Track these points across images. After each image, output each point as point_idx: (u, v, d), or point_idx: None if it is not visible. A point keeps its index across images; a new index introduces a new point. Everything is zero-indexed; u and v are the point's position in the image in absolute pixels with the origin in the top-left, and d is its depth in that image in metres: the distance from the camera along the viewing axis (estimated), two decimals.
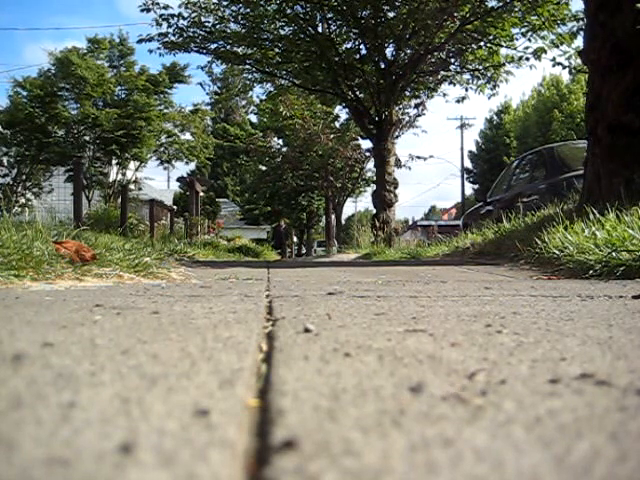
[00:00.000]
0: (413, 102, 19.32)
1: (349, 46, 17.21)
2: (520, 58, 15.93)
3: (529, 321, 1.46)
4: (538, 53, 15.40)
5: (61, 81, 18.24)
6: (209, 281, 3.43)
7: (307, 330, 1.27)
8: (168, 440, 0.58)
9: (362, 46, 16.78)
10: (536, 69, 20.64)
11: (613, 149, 5.72)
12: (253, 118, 46.55)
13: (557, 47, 14.89)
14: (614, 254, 3.40)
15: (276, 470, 0.53)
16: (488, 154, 43.67)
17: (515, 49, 16.02)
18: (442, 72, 17.63)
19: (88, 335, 1.19)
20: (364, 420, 0.65)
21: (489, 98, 22.24)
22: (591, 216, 4.36)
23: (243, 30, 16.31)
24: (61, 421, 0.63)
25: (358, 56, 16.91)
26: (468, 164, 46.27)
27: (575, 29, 14.43)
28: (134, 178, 19.93)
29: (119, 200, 15.00)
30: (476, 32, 15.68)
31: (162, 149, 20.56)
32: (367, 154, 27.72)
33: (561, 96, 37.63)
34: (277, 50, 17.01)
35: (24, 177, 17.97)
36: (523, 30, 15.36)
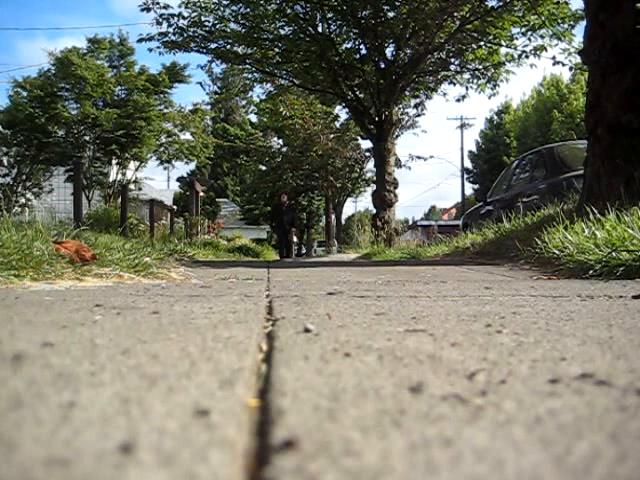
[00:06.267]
0: (413, 102, 19.34)
1: (349, 46, 17.22)
2: (520, 56, 15.93)
3: (529, 321, 1.46)
4: (538, 51, 15.41)
5: (61, 81, 18.26)
6: (209, 281, 3.43)
7: (307, 330, 1.27)
8: (168, 440, 0.58)
9: (362, 46, 16.79)
10: (536, 68, 20.81)
11: (613, 149, 5.72)
12: (253, 118, 46.59)
13: (560, 40, 14.80)
14: (614, 254, 3.40)
15: (276, 470, 0.53)
16: (488, 154, 43.65)
17: (515, 48, 16.04)
18: (442, 72, 17.63)
19: (88, 335, 1.19)
20: (364, 420, 0.65)
21: (489, 98, 22.24)
22: (591, 216, 4.36)
23: (243, 30, 16.31)
24: (61, 421, 0.63)
25: (358, 56, 16.91)
26: (468, 164, 46.32)
27: (575, 28, 14.45)
28: (134, 178, 19.95)
29: (119, 200, 15.01)
30: (476, 32, 15.68)
31: (162, 149, 20.58)
32: (367, 154, 27.73)
33: (561, 96, 37.62)
34: (277, 50, 17.02)
35: (24, 177, 17.98)
36: (523, 29, 15.37)
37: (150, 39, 16.09)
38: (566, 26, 14.65)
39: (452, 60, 17.16)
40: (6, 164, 17.71)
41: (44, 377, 0.82)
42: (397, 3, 15.33)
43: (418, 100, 19.37)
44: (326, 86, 17.96)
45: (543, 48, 15.29)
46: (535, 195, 9.08)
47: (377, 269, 5.34)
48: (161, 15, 15.73)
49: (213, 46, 16.81)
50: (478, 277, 3.82)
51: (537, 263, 4.49)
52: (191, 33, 16.20)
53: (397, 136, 18.49)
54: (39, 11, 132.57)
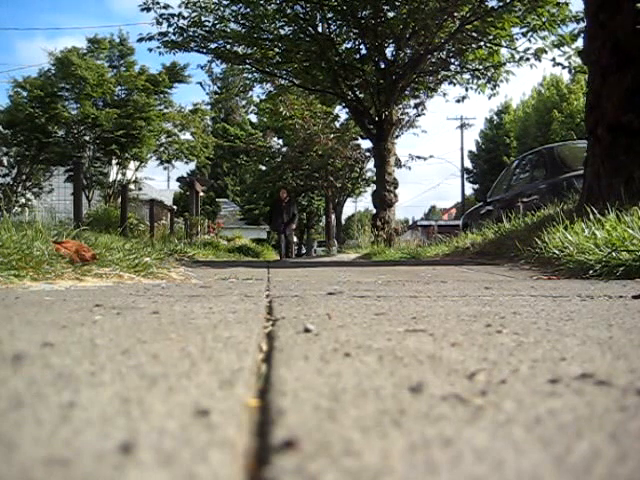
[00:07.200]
0: (413, 102, 19.35)
1: (349, 46, 17.22)
2: (520, 58, 15.95)
3: (529, 321, 1.46)
4: (538, 54, 15.42)
5: (61, 81, 18.27)
6: (209, 281, 3.43)
7: (307, 330, 1.27)
8: (168, 440, 0.58)
9: (362, 46, 16.79)
10: (536, 68, 20.73)
11: (613, 149, 5.72)
12: (253, 118, 46.61)
13: (558, 48, 14.90)
14: (614, 254, 3.40)
15: (276, 470, 0.53)
16: (488, 154, 43.69)
17: (515, 49, 16.04)
18: (442, 72, 17.63)
19: (88, 335, 1.19)
20: (364, 420, 0.65)
21: (489, 98, 22.22)
22: (591, 216, 4.36)
23: (243, 30, 16.32)
24: (61, 421, 0.63)
25: (358, 56, 16.92)
26: (468, 164, 46.36)
27: (576, 31, 14.45)
28: (134, 178, 19.96)
29: (119, 200, 15.01)
30: (476, 32, 15.68)
31: (162, 149, 20.58)
32: (367, 154, 27.74)
33: (561, 96, 37.64)
34: (277, 50, 17.02)
35: (24, 177, 17.99)
36: (523, 30, 15.37)
37: (150, 39, 16.11)
38: (566, 29, 14.68)
39: (452, 60, 17.17)
40: (6, 164, 17.72)
41: (44, 377, 0.82)
42: (397, 3, 15.33)
43: (418, 100, 19.38)
44: (326, 86, 17.97)
45: (543, 51, 15.30)
46: (535, 195, 9.08)
47: (377, 269, 5.34)
48: (161, 15, 15.76)
49: (213, 46, 16.82)
50: (478, 277, 3.82)
51: (537, 263, 4.48)
52: (191, 33, 16.21)
53: (397, 136, 18.50)
54: (38, 11, 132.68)
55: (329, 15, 16.06)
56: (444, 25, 15.25)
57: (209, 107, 40.53)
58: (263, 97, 22.79)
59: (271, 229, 20.04)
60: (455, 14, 14.89)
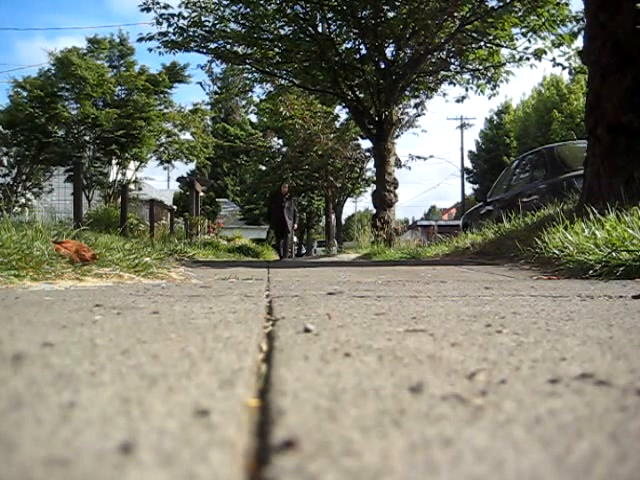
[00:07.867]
0: (413, 102, 19.38)
1: (349, 46, 17.25)
2: (520, 58, 15.96)
3: (529, 321, 1.46)
4: (538, 54, 15.43)
5: (61, 81, 18.27)
6: (209, 281, 3.43)
7: (307, 330, 1.27)
8: (168, 440, 0.58)
9: (362, 46, 16.81)
10: (536, 68, 20.75)
11: (613, 149, 5.72)
12: (253, 118, 46.60)
13: (557, 47, 14.92)
14: (614, 254, 3.40)
15: (276, 470, 0.53)
16: (488, 154, 43.69)
17: (515, 49, 16.05)
18: (442, 72, 17.64)
19: (88, 335, 1.19)
20: (364, 420, 0.65)
21: (489, 98, 22.26)
22: (591, 216, 4.36)
23: (243, 30, 16.34)
24: (61, 421, 0.63)
25: (358, 56, 16.93)
26: (468, 164, 46.35)
27: (576, 29, 14.46)
28: (134, 178, 19.96)
29: (119, 200, 15.01)
30: (476, 32, 15.70)
31: (162, 149, 20.58)
32: (367, 154, 27.76)
33: (561, 96, 37.64)
34: (277, 50, 17.04)
35: (24, 177, 17.99)
36: (523, 30, 15.38)
37: (150, 39, 16.13)
38: (565, 29, 14.70)
39: (452, 60, 17.18)
40: (6, 164, 17.72)
41: (44, 377, 0.82)
42: (397, 3, 15.34)
43: (418, 100, 19.41)
44: (326, 86, 17.98)
45: (543, 51, 15.31)
46: (535, 195, 9.08)
47: (377, 269, 5.34)
48: (161, 15, 15.78)
49: (213, 46, 16.84)
50: (478, 277, 3.82)
51: (537, 263, 4.48)
52: (191, 33, 16.23)
53: (397, 136, 18.55)
54: (38, 11, 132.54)
55: (329, 15, 16.08)
56: (444, 25, 15.26)
57: (209, 107, 40.49)
58: (263, 97, 22.82)
59: (270, 225, 19.39)
60: (455, 14, 14.91)
